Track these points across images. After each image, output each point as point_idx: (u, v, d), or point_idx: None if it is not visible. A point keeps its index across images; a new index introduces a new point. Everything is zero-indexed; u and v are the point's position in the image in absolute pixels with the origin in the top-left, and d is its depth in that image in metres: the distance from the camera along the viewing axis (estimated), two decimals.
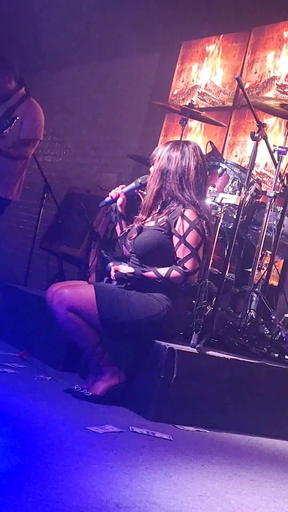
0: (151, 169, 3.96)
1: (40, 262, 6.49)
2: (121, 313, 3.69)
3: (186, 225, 3.75)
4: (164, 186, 3.86)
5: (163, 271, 3.74)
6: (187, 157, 3.85)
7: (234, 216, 4.41)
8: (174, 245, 3.77)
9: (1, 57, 5.75)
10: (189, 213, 3.77)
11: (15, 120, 5.31)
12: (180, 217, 3.76)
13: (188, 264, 3.73)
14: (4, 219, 6.05)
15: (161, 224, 3.82)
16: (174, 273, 3.73)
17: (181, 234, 3.75)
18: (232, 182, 4.77)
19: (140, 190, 4.28)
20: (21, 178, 5.78)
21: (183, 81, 8.25)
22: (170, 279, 3.73)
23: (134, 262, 3.89)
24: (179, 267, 3.73)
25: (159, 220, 3.85)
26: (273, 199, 4.54)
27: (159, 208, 3.94)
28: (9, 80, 5.68)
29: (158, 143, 8.12)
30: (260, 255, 4.59)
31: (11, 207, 5.93)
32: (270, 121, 6.52)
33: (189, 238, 3.74)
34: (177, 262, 3.75)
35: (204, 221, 3.79)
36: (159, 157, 3.89)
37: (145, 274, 3.76)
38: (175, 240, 3.77)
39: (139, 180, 4.11)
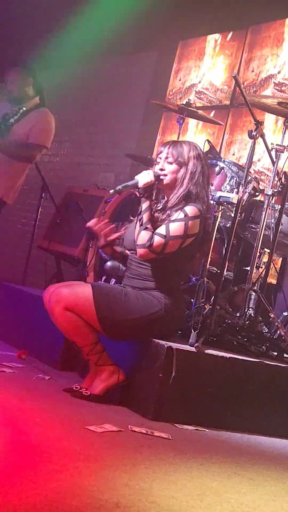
0: (171, 167, 3.84)
1: (38, 261, 6.49)
2: (119, 311, 3.69)
3: (181, 216, 3.75)
4: (190, 189, 3.84)
5: (147, 225, 3.74)
6: (203, 159, 3.89)
7: (232, 215, 4.40)
8: None
9: (26, 62, 5.94)
10: (189, 209, 3.77)
11: (21, 110, 5.38)
12: (179, 211, 3.77)
13: (156, 239, 3.71)
14: (2, 219, 6.05)
15: (163, 218, 3.83)
16: (145, 234, 3.72)
17: (171, 219, 3.75)
18: (229, 181, 4.77)
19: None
20: (18, 183, 5.79)
21: (180, 80, 8.25)
22: (138, 232, 3.74)
23: (134, 260, 3.89)
24: (154, 236, 3.72)
25: (163, 217, 3.85)
26: (271, 197, 4.54)
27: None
28: (27, 85, 5.76)
29: (156, 142, 8.13)
30: (258, 254, 4.59)
31: (8, 207, 5.93)
32: None
33: (173, 226, 3.73)
34: None
35: (201, 220, 3.79)
36: (186, 159, 3.84)
37: (145, 212, 3.79)
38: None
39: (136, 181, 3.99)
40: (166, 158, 3.86)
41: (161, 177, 3.85)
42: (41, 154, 5.82)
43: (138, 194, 3.86)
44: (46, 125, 5.76)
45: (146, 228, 3.74)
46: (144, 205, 3.82)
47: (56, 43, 8.79)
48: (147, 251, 3.72)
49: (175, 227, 3.73)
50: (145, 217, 3.78)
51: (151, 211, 3.82)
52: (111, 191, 3.89)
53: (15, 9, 8.21)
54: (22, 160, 5.72)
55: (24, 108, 5.51)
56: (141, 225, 3.76)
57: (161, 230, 3.73)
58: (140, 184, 3.80)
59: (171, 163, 3.86)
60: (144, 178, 3.81)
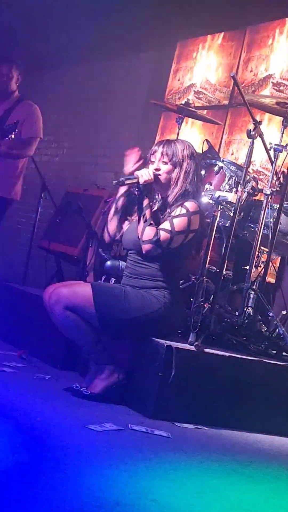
0: (166, 167, 3.86)
1: (38, 261, 6.49)
2: (119, 310, 3.70)
3: (183, 211, 3.79)
4: (187, 188, 3.87)
5: (151, 221, 3.75)
6: (196, 158, 3.92)
7: (231, 214, 4.42)
8: None
9: (16, 59, 5.99)
10: (189, 204, 3.81)
11: (18, 125, 5.47)
12: (180, 207, 3.80)
13: (162, 234, 3.73)
14: (2, 218, 6.07)
15: (163, 215, 3.85)
16: (150, 230, 3.73)
17: (173, 215, 3.78)
18: (228, 180, 4.78)
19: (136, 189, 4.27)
20: (21, 177, 5.88)
21: (179, 80, 8.26)
22: (143, 228, 3.75)
23: (133, 259, 3.90)
24: (159, 231, 3.74)
25: (164, 214, 3.87)
26: (270, 197, 4.55)
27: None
28: (16, 81, 5.90)
29: (155, 142, 8.12)
30: (257, 253, 4.60)
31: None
32: None
33: (177, 221, 3.76)
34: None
35: (200, 215, 3.82)
36: (181, 159, 3.86)
37: (146, 209, 3.79)
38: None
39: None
40: (161, 158, 3.88)
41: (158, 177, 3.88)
42: (36, 144, 5.91)
43: (136, 193, 3.88)
44: (34, 116, 5.88)
45: (150, 224, 3.76)
46: (144, 202, 3.83)
47: (55, 43, 8.80)
48: (154, 246, 3.73)
49: (179, 222, 3.76)
50: (147, 213, 3.79)
51: (151, 208, 3.84)
52: (114, 182, 3.89)
53: (14, 8, 8.21)
54: (22, 157, 5.85)
55: (19, 121, 5.60)
56: (144, 221, 3.77)
57: (166, 225, 3.75)
58: (141, 181, 3.82)
59: (166, 163, 3.88)
60: (145, 175, 3.82)
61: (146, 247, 3.76)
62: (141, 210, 3.82)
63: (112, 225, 4.04)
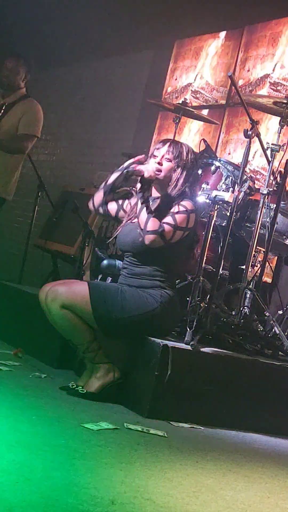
0: (168, 165, 3.87)
1: (35, 260, 6.48)
2: (115, 309, 3.70)
3: (182, 208, 3.80)
4: (185, 190, 3.88)
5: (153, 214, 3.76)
6: (197, 165, 3.98)
7: (228, 214, 4.42)
8: None
9: (26, 56, 5.99)
10: (187, 203, 3.83)
11: (4, 106, 5.47)
12: (177, 205, 3.82)
13: (166, 227, 3.74)
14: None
15: (163, 210, 3.85)
16: (154, 222, 3.72)
17: (173, 211, 3.79)
18: (225, 180, 4.78)
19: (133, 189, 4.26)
20: (15, 177, 5.81)
21: (176, 79, 8.26)
22: (146, 219, 3.73)
23: (129, 260, 3.90)
24: (163, 224, 3.75)
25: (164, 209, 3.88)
26: (267, 196, 4.56)
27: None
28: (23, 78, 5.86)
29: (152, 141, 8.14)
30: (253, 252, 4.61)
31: (5, 205, 5.94)
32: None
33: (178, 216, 3.78)
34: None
35: (196, 214, 3.84)
36: (184, 161, 3.88)
37: (147, 202, 3.79)
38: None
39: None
40: (165, 154, 3.89)
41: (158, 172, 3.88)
42: (33, 143, 5.85)
43: (139, 184, 3.86)
44: (34, 114, 5.81)
45: (154, 216, 3.75)
46: (145, 195, 3.82)
47: (53, 43, 8.80)
48: (158, 237, 3.72)
49: (180, 219, 3.78)
50: (149, 205, 3.79)
51: (149, 202, 3.84)
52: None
53: (11, 8, 8.22)
54: (15, 152, 5.74)
55: (6, 104, 5.57)
56: (149, 212, 3.75)
57: (168, 219, 3.77)
58: (146, 175, 3.81)
59: (169, 160, 3.88)
60: (150, 170, 3.83)
61: (150, 237, 3.73)
62: (143, 201, 3.80)
63: (99, 195, 4.01)
